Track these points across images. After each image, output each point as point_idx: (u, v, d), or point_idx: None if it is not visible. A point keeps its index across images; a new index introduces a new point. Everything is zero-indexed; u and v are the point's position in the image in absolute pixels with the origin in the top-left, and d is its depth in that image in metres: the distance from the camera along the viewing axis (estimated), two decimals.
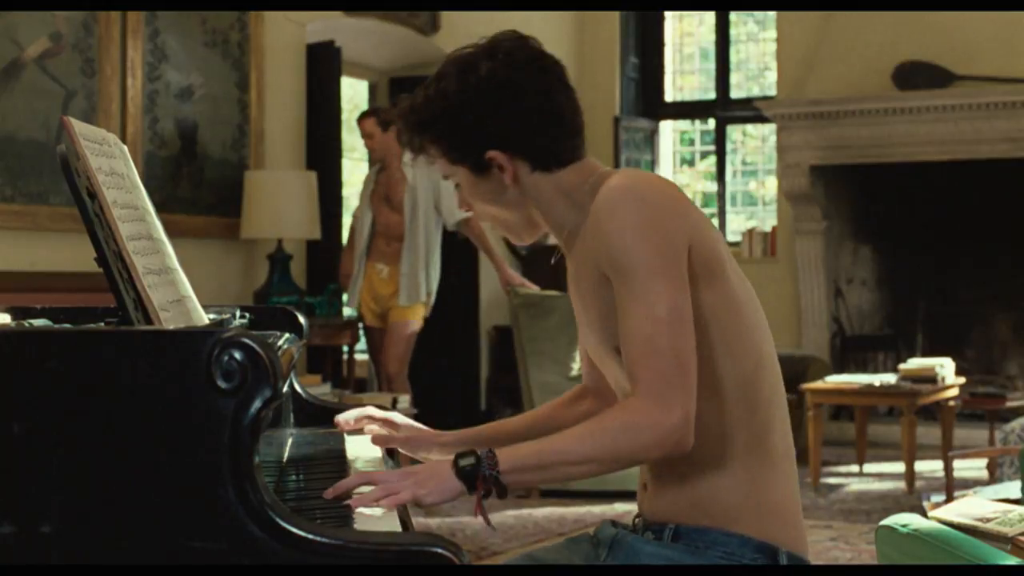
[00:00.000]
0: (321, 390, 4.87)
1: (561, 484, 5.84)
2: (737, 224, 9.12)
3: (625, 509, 5.54)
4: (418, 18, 7.51)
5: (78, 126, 1.75)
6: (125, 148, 2.01)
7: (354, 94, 8.20)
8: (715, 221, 8.54)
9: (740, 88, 9.32)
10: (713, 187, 9.23)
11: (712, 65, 9.28)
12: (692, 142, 9.68)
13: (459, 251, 6.72)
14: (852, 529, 5.20)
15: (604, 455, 1.75)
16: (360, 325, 6.46)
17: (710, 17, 9.26)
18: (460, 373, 7.76)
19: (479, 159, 1.89)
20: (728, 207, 9.15)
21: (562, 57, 1.97)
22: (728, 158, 9.26)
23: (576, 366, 5.88)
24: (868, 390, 6.31)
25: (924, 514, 2.90)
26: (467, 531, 5.12)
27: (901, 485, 6.19)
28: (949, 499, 3.96)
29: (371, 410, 2.22)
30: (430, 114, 1.90)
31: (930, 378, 6.30)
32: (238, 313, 2.34)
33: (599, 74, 8.96)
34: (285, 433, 2.28)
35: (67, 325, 1.98)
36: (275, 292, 6.17)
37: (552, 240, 2.02)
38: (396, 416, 2.20)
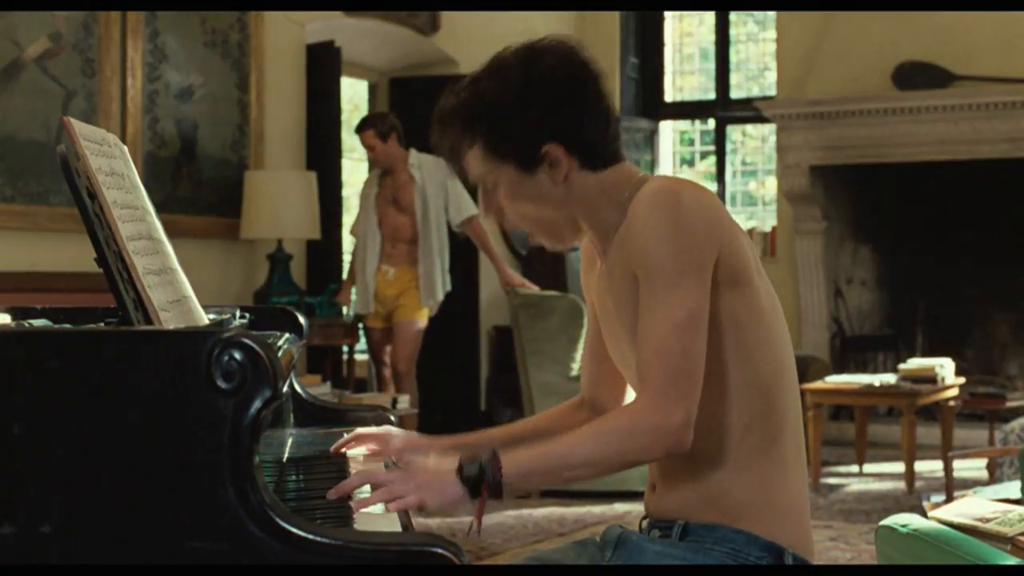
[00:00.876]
0: (321, 390, 4.86)
1: (561, 484, 5.84)
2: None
3: (625, 509, 5.54)
4: (418, 18, 7.51)
5: (78, 126, 1.75)
6: (125, 148, 2.01)
7: (354, 94, 8.20)
8: None
9: (740, 88, 9.32)
10: (713, 187, 9.23)
11: (712, 65, 9.28)
12: (692, 142, 9.68)
13: (459, 251, 6.72)
14: (852, 529, 5.20)
15: (606, 458, 1.78)
16: (360, 325, 6.47)
17: (710, 17, 9.26)
18: (460, 373, 7.76)
19: (534, 154, 1.87)
20: (728, 207, 9.09)
21: None
22: (728, 158, 9.26)
23: (576, 366, 5.88)
24: (868, 390, 6.31)
25: (924, 514, 2.90)
26: (467, 530, 5.12)
27: (901, 485, 6.19)
28: (949, 499, 3.96)
29: (360, 431, 2.17)
30: (486, 107, 1.87)
31: (930, 378, 6.30)
32: (238, 313, 2.34)
33: None
34: (285, 433, 2.28)
35: (67, 325, 1.98)
36: (275, 292, 6.18)
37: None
38: (391, 429, 2.17)
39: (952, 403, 6.59)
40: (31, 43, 5.29)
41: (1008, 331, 8.24)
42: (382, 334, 6.35)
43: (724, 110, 9.19)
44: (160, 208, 2.22)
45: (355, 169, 8.07)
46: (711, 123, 9.34)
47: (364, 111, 7.96)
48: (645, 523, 1.99)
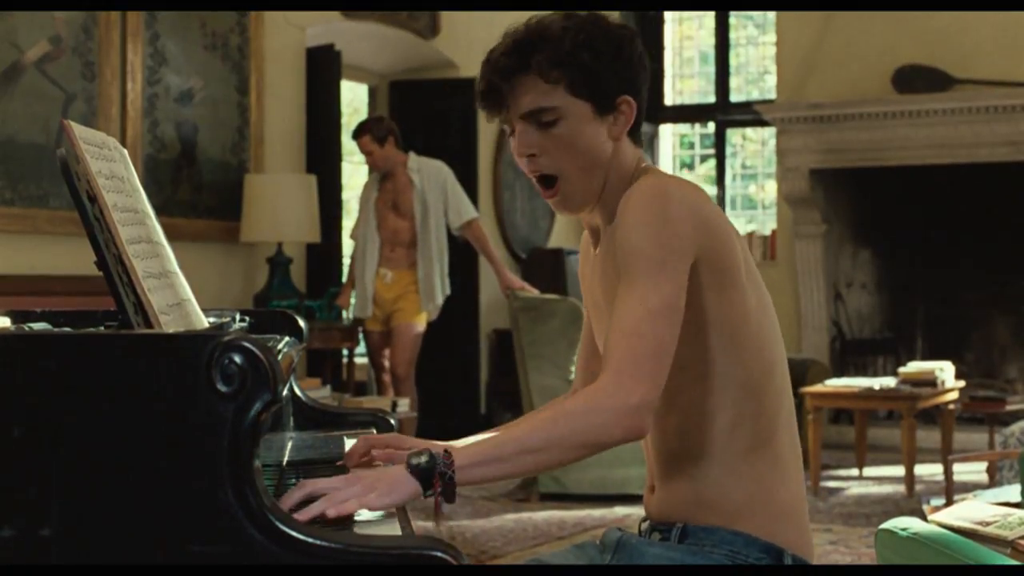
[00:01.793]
0: (321, 393, 4.86)
1: (560, 487, 5.84)
2: (737, 228, 9.12)
3: (625, 512, 5.54)
4: (418, 21, 7.51)
5: (78, 130, 1.75)
6: (125, 152, 2.01)
7: (354, 97, 8.20)
8: None
9: (740, 92, 9.33)
10: (713, 191, 9.24)
11: (712, 68, 9.29)
12: (692, 145, 9.68)
13: (459, 255, 6.73)
14: (852, 533, 5.20)
15: (562, 440, 1.71)
16: (360, 329, 6.47)
17: (710, 20, 9.27)
18: (460, 377, 7.76)
19: (612, 99, 1.92)
20: (728, 211, 9.15)
21: None
22: (728, 162, 9.27)
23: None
24: (868, 394, 6.31)
25: (924, 518, 2.90)
26: (467, 534, 5.12)
27: (901, 489, 6.19)
28: (949, 503, 3.96)
29: (368, 437, 2.05)
30: (591, 40, 1.89)
31: (930, 382, 6.30)
32: (238, 316, 2.34)
33: None
34: (285, 436, 2.28)
35: (67, 329, 1.98)
36: (275, 295, 6.18)
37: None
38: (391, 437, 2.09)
39: (952, 406, 6.59)
40: (31, 46, 5.29)
41: (1008, 334, 8.24)
42: (381, 337, 6.35)
43: (724, 113, 9.20)
44: (160, 211, 2.22)
45: (355, 172, 8.07)
46: (711, 126, 9.35)
47: (364, 114, 7.97)
48: (645, 525, 1.99)
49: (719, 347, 1.86)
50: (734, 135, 9.39)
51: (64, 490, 1.45)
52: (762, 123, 8.53)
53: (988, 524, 2.79)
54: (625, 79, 1.92)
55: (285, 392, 1.93)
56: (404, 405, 5.42)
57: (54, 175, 5.14)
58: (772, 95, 8.79)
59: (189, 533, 1.44)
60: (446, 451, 1.67)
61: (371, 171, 6.40)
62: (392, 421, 2.39)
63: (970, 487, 5.19)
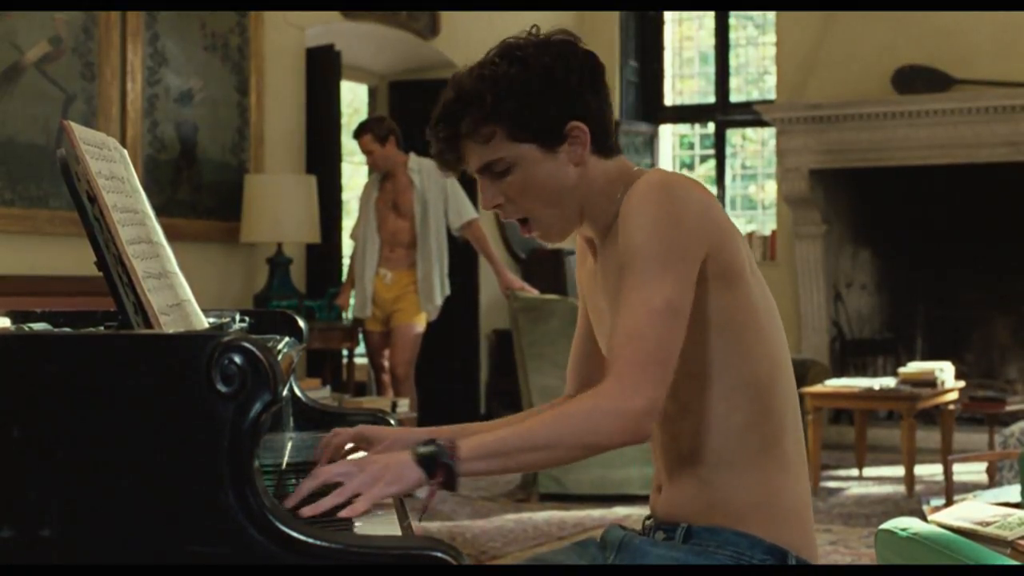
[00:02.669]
0: (321, 394, 4.86)
1: (560, 487, 5.84)
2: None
3: (625, 512, 5.54)
4: (418, 22, 7.51)
5: (78, 130, 1.75)
6: (125, 152, 2.01)
7: (354, 98, 8.20)
8: None
9: (740, 92, 9.33)
10: (713, 191, 9.21)
11: (712, 69, 9.29)
12: (692, 146, 9.68)
13: (459, 255, 6.73)
14: (852, 533, 5.20)
15: (563, 440, 1.73)
16: (359, 329, 6.47)
17: (709, 21, 9.26)
18: (460, 377, 7.76)
19: (559, 130, 1.88)
20: (728, 211, 9.09)
21: None
22: (728, 162, 9.27)
23: None
24: (868, 394, 6.31)
25: (924, 518, 2.90)
26: (467, 534, 5.12)
27: (901, 489, 6.19)
28: (949, 503, 3.96)
29: (329, 438, 2.04)
30: (511, 86, 1.86)
31: (930, 382, 6.30)
32: (238, 317, 2.34)
33: None
34: (285, 437, 2.28)
35: (67, 329, 1.98)
36: (275, 296, 6.18)
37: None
38: (365, 428, 2.05)
39: (952, 407, 6.59)
40: (31, 47, 5.29)
41: (1008, 335, 8.24)
42: (380, 338, 6.35)
43: (724, 114, 9.20)
44: (160, 212, 2.22)
45: (355, 173, 8.07)
46: (711, 127, 9.35)
47: (364, 115, 7.97)
48: (649, 523, 1.98)
49: (729, 348, 1.85)
50: (734, 135, 9.39)
51: (64, 490, 1.45)
52: (762, 123, 8.53)
53: (988, 524, 2.79)
54: (565, 106, 1.87)
55: (285, 392, 1.93)
56: (404, 405, 5.41)
57: (54, 175, 5.14)
58: (772, 95, 8.79)
59: (189, 533, 1.44)
60: (451, 442, 1.69)
61: (371, 171, 6.40)
62: (392, 421, 2.38)
63: (970, 487, 5.18)
